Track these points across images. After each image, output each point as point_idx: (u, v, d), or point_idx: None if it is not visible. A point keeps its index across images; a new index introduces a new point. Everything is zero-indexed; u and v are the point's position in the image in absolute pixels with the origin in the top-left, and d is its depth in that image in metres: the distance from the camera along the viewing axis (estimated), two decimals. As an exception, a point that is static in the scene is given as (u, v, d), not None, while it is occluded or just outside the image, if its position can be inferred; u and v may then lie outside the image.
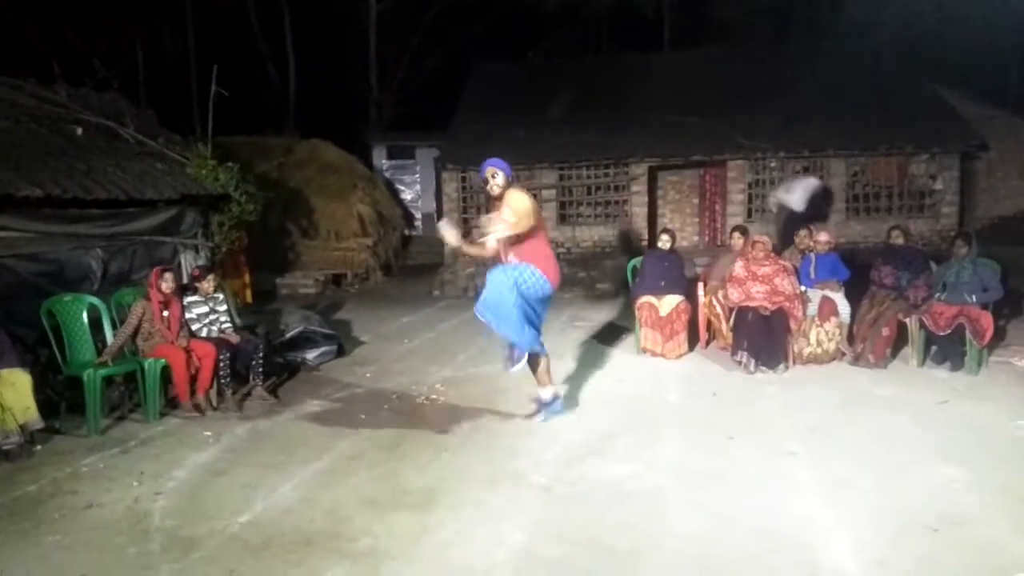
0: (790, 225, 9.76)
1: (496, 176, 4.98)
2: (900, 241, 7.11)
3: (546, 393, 5.38)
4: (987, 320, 6.27)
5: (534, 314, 5.05)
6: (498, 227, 4.79)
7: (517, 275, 4.87)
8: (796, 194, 10.63)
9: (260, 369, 6.10)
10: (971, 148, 12.94)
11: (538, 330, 5.13)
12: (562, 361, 7.12)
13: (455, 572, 3.26)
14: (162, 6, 20.52)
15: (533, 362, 5.24)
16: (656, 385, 6.37)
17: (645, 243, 13.08)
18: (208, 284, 6.26)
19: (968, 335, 6.28)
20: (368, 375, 6.93)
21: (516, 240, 4.93)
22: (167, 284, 5.79)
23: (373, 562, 3.37)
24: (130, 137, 8.27)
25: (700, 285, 7.72)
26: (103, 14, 18.54)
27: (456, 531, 3.66)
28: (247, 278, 10.68)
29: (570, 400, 5.85)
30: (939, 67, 15.05)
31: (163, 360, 5.64)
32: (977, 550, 3.35)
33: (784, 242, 8.40)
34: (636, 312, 7.40)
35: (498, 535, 3.60)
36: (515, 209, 4.85)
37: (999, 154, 14.03)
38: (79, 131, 7.75)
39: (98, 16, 18.43)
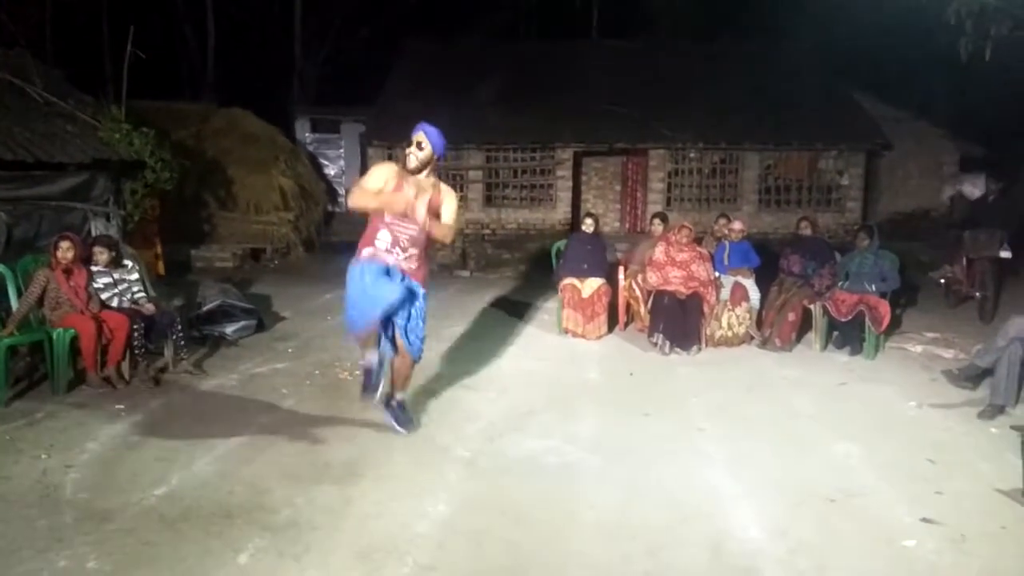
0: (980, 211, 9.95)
1: (422, 146, 4.23)
2: (808, 232, 7.49)
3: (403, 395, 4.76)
4: (885, 308, 6.68)
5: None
6: (440, 228, 4.34)
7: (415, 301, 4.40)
8: (979, 188, 11.38)
9: (182, 343, 5.94)
10: (876, 147, 13.66)
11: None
12: (484, 342, 7.22)
13: (378, 542, 3.31)
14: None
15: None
16: (576, 364, 6.53)
17: (568, 227, 13.29)
18: (100, 256, 5.96)
19: (867, 322, 6.68)
20: (289, 350, 6.85)
21: (420, 240, 4.36)
22: (62, 252, 5.52)
23: (295, 533, 3.38)
24: (38, 96, 7.86)
25: (620, 269, 7.92)
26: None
27: (379, 503, 3.70)
28: (159, 249, 10.29)
29: (492, 378, 5.94)
30: (852, 71, 15.75)
31: (72, 330, 5.42)
32: (871, 519, 3.62)
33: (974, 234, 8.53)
34: (559, 293, 7.55)
35: (421, 507, 3.66)
36: (452, 216, 4.40)
37: (901, 154, 14.83)
38: (-19, 88, 7.33)
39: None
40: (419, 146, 4.21)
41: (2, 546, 3.22)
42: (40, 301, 5.50)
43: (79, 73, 11.23)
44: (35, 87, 7.94)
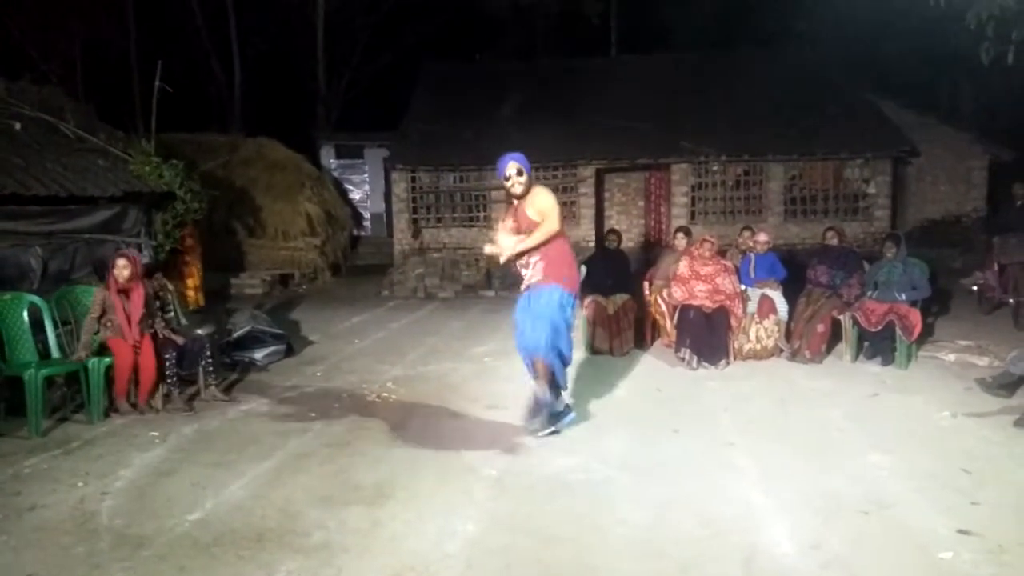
0: None
1: (521, 174, 4.71)
2: (835, 242, 7.42)
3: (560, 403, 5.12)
4: (916, 317, 6.59)
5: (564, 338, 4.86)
6: (513, 242, 4.72)
7: (555, 308, 4.71)
8: None
9: (211, 368, 6.04)
10: (902, 154, 13.50)
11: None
12: (510, 361, 7.20)
13: (408, 563, 3.32)
14: (102, -2, 19.91)
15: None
16: (602, 381, 6.51)
17: (592, 244, 13.29)
18: (154, 283, 6.15)
19: (898, 331, 6.59)
20: (318, 374, 6.92)
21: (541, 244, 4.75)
22: (118, 271, 5.58)
23: (327, 555, 3.41)
24: (70, 132, 8.08)
25: (645, 284, 7.91)
26: (41, 4, 17.89)
27: (408, 523, 3.72)
28: (198, 280, 10.04)
29: (519, 397, 5.89)
30: (875, 76, 15.63)
31: (107, 360, 5.51)
32: (905, 531, 3.56)
33: None
34: (584, 310, 7.55)
35: (450, 527, 3.67)
36: (542, 210, 4.68)
37: (929, 160, 14.65)
38: (17, 126, 7.55)
39: (36, 6, 17.79)
40: (519, 173, 4.70)
41: (41, 573, 3.29)
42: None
43: (109, 107, 11.52)
44: (67, 123, 8.17)
